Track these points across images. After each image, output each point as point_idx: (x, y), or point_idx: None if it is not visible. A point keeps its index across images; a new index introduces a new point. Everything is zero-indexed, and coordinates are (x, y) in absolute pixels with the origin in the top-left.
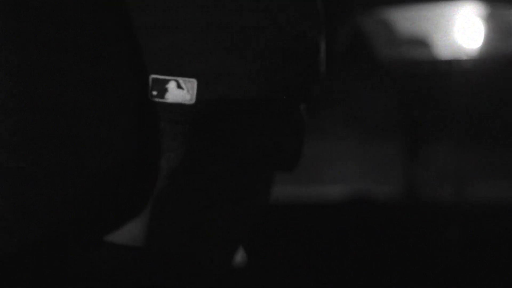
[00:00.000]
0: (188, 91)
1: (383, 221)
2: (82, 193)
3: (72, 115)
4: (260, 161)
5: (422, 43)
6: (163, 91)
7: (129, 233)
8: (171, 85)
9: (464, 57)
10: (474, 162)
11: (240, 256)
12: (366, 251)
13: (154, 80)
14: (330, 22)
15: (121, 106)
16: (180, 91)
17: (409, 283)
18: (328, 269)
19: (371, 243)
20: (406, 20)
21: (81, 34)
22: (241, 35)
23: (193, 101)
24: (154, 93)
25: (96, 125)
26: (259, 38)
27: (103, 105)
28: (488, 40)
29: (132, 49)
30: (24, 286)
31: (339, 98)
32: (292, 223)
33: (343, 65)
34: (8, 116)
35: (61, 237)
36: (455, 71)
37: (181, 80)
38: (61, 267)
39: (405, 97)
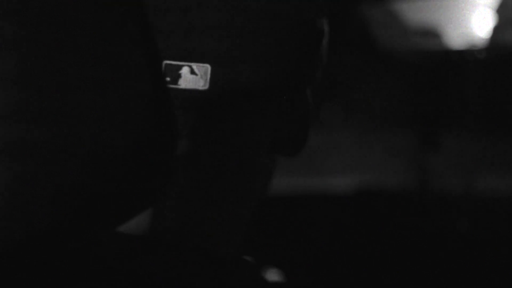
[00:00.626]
0: (201, 76)
1: (390, 212)
2: (86, 196)
3: (73, 116)
4: (267, 145)
5: (433, 33)
6: (176, 77)
7: (134, 220)
8: (185, 71)
9: (476, 48)
10: (485, 153)
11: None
12: (373, 242)
13: (167, 66)
14: (340, 11)
15: (122, 106)
16: (193, 77)
17: (416, 276)
18: (334, 261)
19: (378, 235)
20: (417, 10)
21: (82, 35)
22: (251, 20)
23: (206, 86)
24: (167, 79)
25: (98, 126)
26: (268, 24)
27: (103, 105)
28: (500, 30)
29: (141, 41)
30: (27, 281)
31: (348, 89)
32: (297, 215)
33: (353, 55)
34: (7, 121)
35: (68, 230)
36: (466, 61)
37: (194, 65)
38: (68, 259)
39: (415, 87)
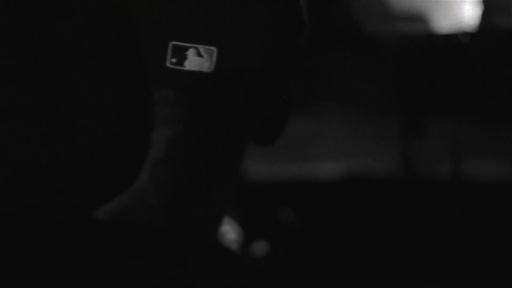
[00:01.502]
0: (207, 59)
1: (378, 198)
2: (68, 172)
3: (61, 95)
4: (252, 133)
5: (418, 18)
6: (182, 58)
7: (121, 204)
8: (191, 53)
9: (462, 32)
10: (472, 139)
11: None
12: (361, 228)
13: (175, 46)
14: None
15: (97, 96)
16: (199, 59)
17: (405, 263)
18: (321, 246)
19: (365, 221)
20: None
21: (78, 34)
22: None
23: (211, 69)
24: (174, 60)
25: (84, 111)
26: (256, 8)
27: (80, 94)
28: (486, 14)
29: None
30: (27, 281)
31: (333, 76)
32: (284, 201)
33: (337, 42)
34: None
35: (47, 212)
36: (452, 46)
37: (201, 48)
38: (68, 259)
39: (401, 72)
